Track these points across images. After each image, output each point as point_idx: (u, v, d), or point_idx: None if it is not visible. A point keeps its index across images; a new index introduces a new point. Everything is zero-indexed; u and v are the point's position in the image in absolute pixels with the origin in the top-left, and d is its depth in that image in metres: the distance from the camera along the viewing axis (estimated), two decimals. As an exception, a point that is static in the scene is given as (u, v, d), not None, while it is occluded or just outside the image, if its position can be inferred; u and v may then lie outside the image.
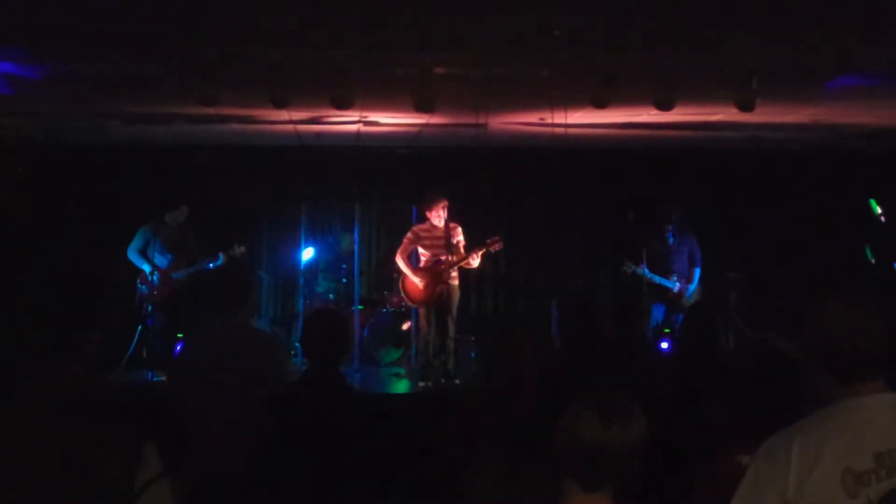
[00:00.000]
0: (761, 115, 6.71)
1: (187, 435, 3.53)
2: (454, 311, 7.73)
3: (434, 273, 7.62)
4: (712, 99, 6.59)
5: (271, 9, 4.61)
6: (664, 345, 7.38)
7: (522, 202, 9.99)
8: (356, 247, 8.92)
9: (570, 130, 7.78)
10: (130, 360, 7.87)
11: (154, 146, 9.35)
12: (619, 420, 2.16)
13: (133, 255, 8.08)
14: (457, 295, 7.76)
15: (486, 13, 4.66)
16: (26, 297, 2.10)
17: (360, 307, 8.78)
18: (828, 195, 9.47)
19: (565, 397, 2.27)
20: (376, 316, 8.83)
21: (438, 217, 7.58)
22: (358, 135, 8.68)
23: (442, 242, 7.60)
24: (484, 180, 9.26)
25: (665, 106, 5.99)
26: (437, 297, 7.60)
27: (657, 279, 8.16)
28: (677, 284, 8.22)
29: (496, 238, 7.70)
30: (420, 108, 5.91)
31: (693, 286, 8.29)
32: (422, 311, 7.77)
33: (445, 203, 7.56)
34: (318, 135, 8.60)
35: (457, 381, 7.53)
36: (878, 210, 8.29)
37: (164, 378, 6.68)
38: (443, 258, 7.59)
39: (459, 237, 7.71)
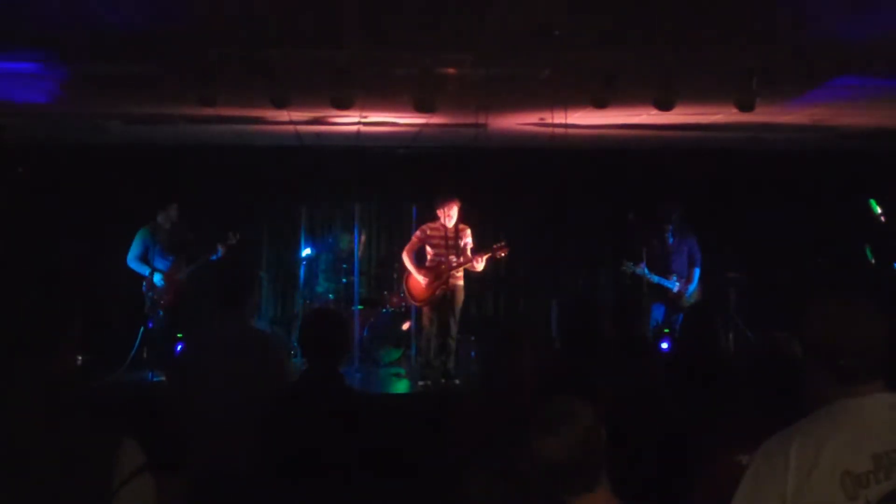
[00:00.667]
0: (761, 115, 6.71)
1: (187, 435, 3.53)
2: (457, 310, 7.73)
3: (438, 273, 7.62)
4: (712, 99, 6.60)
5: (271, 9, 4.61)
6: (664, 345, 7.37)
7: (522, 202, 9.99)
8: (356, 245, 8.92)
9: (570, 130, 7.77)
10: (132, 360, 7.88)
11: (154, 146, 9.34)
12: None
13: (133, 264, 8.08)
14: (461, 295, 7.76)
15: (486, 13, 4.66)
16: (19, 296, 2.03)
17: (360, 307, 8.78)
18: (828, 195, 9.48)
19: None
20: (376, 316, 8.83)
21: (449, 217, 7.59)
22: (358, 135, 8.68)
23: (450, 243, 7.60)
24: (484, 180, 9.27)
25: (665, 106, 5.98)
26: (439, 297, 7.60)
27: (657, 279, 8.16)
28: (677, 284, 8.21)
29: (503, 243, 7.71)
30: (420, 108, 5.92)
31: (693, 286, 8.28)
32: (425, 309, 7.77)
33: (457, 204, 7.58)
34: (319, 135, 8.60)
35: (457, 381, 7.52)
36: (878, 210, 8.28)
37: (164, 378, 6.68)
38: (449, 259, 7.59)
39: (468, 239, 7.71)
